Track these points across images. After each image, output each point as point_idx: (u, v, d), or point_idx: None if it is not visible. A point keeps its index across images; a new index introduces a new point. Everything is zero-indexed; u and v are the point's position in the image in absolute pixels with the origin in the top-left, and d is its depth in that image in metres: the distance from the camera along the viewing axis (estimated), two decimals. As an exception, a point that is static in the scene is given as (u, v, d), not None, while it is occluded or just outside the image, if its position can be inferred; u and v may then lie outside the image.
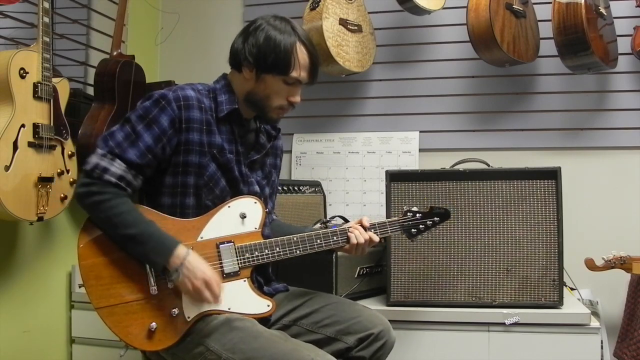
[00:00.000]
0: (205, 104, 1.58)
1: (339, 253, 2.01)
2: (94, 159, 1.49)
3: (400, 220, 1.71)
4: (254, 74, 1.58)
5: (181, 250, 1.46)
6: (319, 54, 1.64)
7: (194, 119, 1.54)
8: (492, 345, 1.99)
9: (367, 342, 1.60)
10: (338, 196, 2.82)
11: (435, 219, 1.73)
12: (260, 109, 1.63)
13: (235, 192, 1.61)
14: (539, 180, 2.03)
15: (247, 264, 1.55)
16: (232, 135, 1.62)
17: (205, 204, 1.58)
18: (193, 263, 1.46)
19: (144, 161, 1.50)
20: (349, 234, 1.63)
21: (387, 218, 1.74)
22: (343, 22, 2.50)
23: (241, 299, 1.53)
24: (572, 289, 2.33)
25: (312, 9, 2.48)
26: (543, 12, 2.51)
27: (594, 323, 1.95)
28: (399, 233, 1.71)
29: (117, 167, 1.48)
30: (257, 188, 1.66)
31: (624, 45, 2.50)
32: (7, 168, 1.79)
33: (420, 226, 1.72)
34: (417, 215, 1.72)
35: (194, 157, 1.55)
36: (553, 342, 1.95)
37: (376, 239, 1.66)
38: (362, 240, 1.62)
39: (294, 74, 1.57)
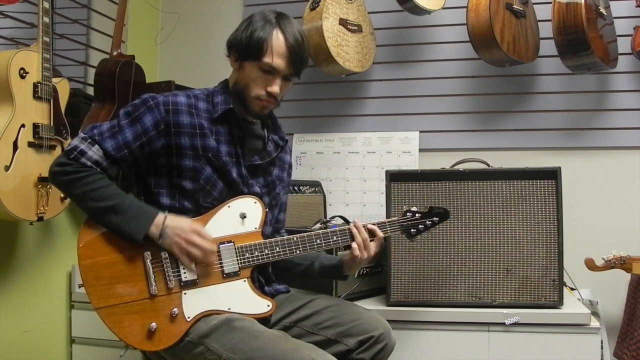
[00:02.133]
0: (200, 108, 1.59)
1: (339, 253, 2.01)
2: (74, 141, 1.52)
3: (400, 220, 1.70)
4: (237, 63, 1.60)
5: (160, 217, 1.49)
6: (307, 47, 1.61)
7: (183, 123, 1.55)
8: (492, 345, 1.99)
9: (367, 345, 1.59)
10: (338, 196, 2.82)
11: (435, 218, 1.72)
12: (243, 101, 1.61)
13: (235, 193, 1.61)
14: (539, 180, 2.03)
15: (247, 264, 1.55)
16: (231, 136, 1.61)
17: (204, 206, 1.58)
18: (174, 222, 1.49)
19: (119, 154, 1.52)
20: (351, 228, 1.61)
21: (387, 218, 1.74)
22: (343, 22, 2.50)
23: (241, 298, 1.53)
24: (572, 289, 2.33)
25: (312, 9, 2.48)
26: (543, 12, 2.51)
27: (594, 323, 1.95)
28: (399, 233, 1.71)
29: (95, 152, 1.50)
30: (257, 189, 1.65)
31: (624, 45, 2.51)
32: (7, 168, 1.79)
33: (420, 226, 1.70)
34: (417, 215, 1.70)
35: (188, 161, 1.56)
36: (553, 342, 1.95)
37: (380, 234, 1.64)
38: (365, 235, 1.61)
39: (267, 59, 1.55)
